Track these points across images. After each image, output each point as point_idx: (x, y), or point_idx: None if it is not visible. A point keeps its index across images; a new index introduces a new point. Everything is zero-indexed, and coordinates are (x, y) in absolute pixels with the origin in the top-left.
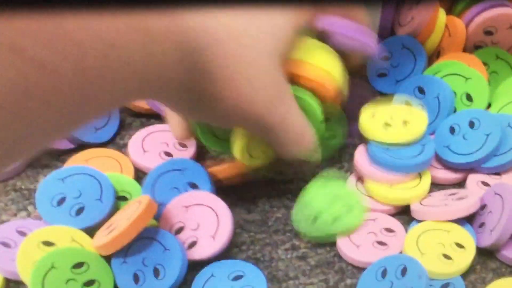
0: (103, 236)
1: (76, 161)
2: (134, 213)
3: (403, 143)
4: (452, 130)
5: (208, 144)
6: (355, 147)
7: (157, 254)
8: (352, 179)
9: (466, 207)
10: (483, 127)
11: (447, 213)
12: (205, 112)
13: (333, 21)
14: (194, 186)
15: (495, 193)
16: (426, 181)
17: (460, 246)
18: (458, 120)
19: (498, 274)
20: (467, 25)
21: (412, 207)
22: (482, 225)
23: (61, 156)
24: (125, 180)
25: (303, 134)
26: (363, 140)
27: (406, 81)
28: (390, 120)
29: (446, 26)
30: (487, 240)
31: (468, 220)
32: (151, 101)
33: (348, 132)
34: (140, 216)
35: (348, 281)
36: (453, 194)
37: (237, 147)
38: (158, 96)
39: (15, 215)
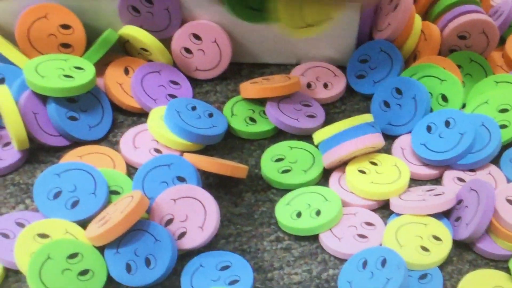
0: (97, 227)
1: (71, 157)
2: (127, 207)
3: None
4: (428, 128)
5: (240, 15)
6: None
7: (148, 245)
8: (335, 174)
9: (443, 202)
10: (458, 126)
11: (426, 208)
12: None
13: None
14: (182, 179)
15: (471, 189)
16: (405, 176)
17: (437, 238)
18: (434, 119)
19: (474, 266)
20: (442, 30)
21: (392, 201)
22: (458, 219)
23: (57, 152)
24: (117, 175)
25: None
26: None
27: (383, 82)
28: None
29: (422, 31)
30: (463, 233)
31: (444, 214)
32: (141, 101)
33: None
34: (133, 210)
35: (331, 272)
36: (431, 190)
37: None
38: None
39: (14, 208)
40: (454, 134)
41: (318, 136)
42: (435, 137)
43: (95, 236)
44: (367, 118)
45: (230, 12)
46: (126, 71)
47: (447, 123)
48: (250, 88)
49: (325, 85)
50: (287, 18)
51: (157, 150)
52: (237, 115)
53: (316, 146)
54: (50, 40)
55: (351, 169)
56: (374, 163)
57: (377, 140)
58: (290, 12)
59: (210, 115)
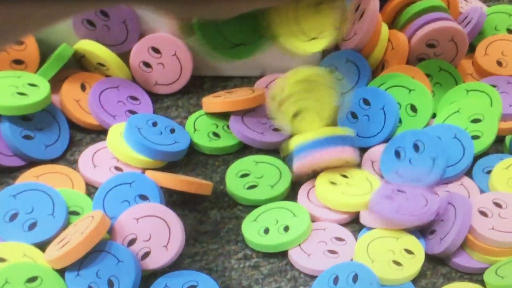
0: (56, 250)
1: (27, 178)
2: (88, 227)
3: None
4: (397, 154)
5: (217, 51)
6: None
7: (110, 266)
8: (304, 188)
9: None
10: (428, 150)
11: (401, 220)
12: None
13: None
14: (144, 198)
15: (448, 203)
16: (376, 187)
17: (409, 252)
18: (402, 143)
19: (449, 279)
20: (409, 38)
21: (362, 213)
22: (432, 232)
23: (12, 173)
24: (76, 195)
25: None
26: None
27: (351, 93)
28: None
29: (389, 40)
30: (437, 248)
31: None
32: (99, 117)
33: None
34: (94, 231)
35: None
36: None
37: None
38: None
39: None
40: (425, 159)
41: (293, 142)
42: (405, 163)
43: (55, 259)
44: (347, 131)
45: (205, 45)
46: (83, 87)
47: (416, 147)
48: (213, 102)
49: None
50: (287, 34)
51: (118, 168)
52: (200, 130)
53: (283, 160)
54: (1, 57)
55: (321, 180)
56: (345, 176)
57: (354, 155)
58: (287, 27)
59: (172, 130)
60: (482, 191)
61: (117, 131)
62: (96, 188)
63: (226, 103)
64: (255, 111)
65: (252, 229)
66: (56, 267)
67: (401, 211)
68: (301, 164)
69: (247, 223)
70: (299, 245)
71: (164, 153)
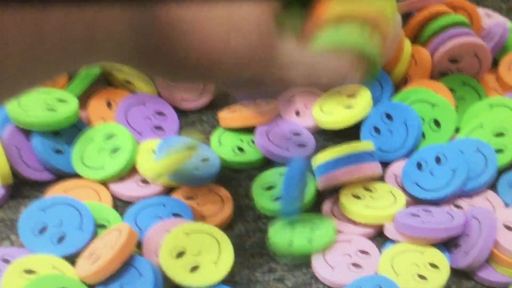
0: (88, 265)
1: (56, 192)
2: (117, 242)
3: None
4: (419, 165)
5: None
6: None
7: (133, 279)
8: (327, 205)
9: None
10: (450, 162)
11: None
12: (168, 66)
13: None
14: (177, 216)
15: (473, 217)
16: (401, 202)
17: (434, 266)
18: (424, 155)
19: None
20: (432, 54)
21: (387, 226)
22: (457, 246)
23: (41, 187)
24: (103, 209)
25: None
26: None
27: (373, 108)
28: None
29: (412, 55)
30: (462, 262)
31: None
32: None
33: None
34: (123, 246)
35: None
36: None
37: None
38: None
39: None
40: (445, 170)
41: (316, 160)
42: (426, 174)
43: (89, 275)
44: (367, 146)
45: None
46: (109, 105)
47: (437, 159)
48: (229, 117)
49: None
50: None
51: (144, 181)
52: (225, 145)
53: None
54: None
55: (345, 193)
56: (368, 190)
57: (376, 170)
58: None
59: (205, 160)
60: (507, 205)
61: (144, 149)
62: (122, 201)
63: (242, 118)
64: (279, 126)
65: (277, 242)
66: (89, 282)
67: (427, 225)
68: (325, 182)
69: (272, 236)
70: (323, 256)
71: (193, 179)
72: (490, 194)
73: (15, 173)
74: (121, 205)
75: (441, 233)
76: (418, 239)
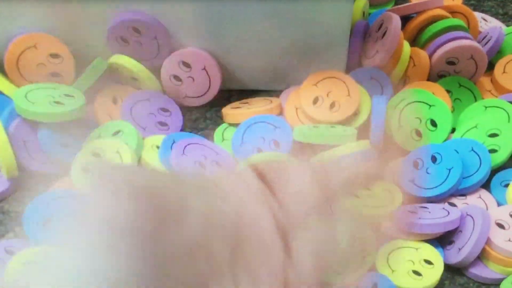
0: None
1: (61, 185)
2: None
3: None
4: (415, 164)
5: None
6: None
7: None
8: None
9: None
10: (445, 161)
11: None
12: None
13: None
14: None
15: (467, 214)
16: (398, 198)
17: (428, 262)
18: (420, 154)
19: None
20: (430, 56)
21: (384, 224)
22: (451, 243)
23: (46, 180)
24: None
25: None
26: None
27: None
28: None
29: (411, 57)
30: (456, 258)
31: (436, 238)
32: None
33: None
34: None
35: None
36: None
37: None
38: None
39: (3, 236)
40: (441, 169)
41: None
42: (422, 173)
43: None
44: (364, 144)
45: None
46: (115, 101)
47: (433, 159)
48: (235, 113)
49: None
50: None
51: None
52: (228, 140)
53: None
54: (39, 70)
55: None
56: (366, 188)
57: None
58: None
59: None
60: (499, 204)
61: (148, 144)
62: None
63: (248, 114)
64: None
65: None
66: None
67: (424, 220)
68: None
69: None
70: None
71: None
72: (483, 192)
73: (20, 166)
74: None
75: (438, 227)
76: (416, 235)
